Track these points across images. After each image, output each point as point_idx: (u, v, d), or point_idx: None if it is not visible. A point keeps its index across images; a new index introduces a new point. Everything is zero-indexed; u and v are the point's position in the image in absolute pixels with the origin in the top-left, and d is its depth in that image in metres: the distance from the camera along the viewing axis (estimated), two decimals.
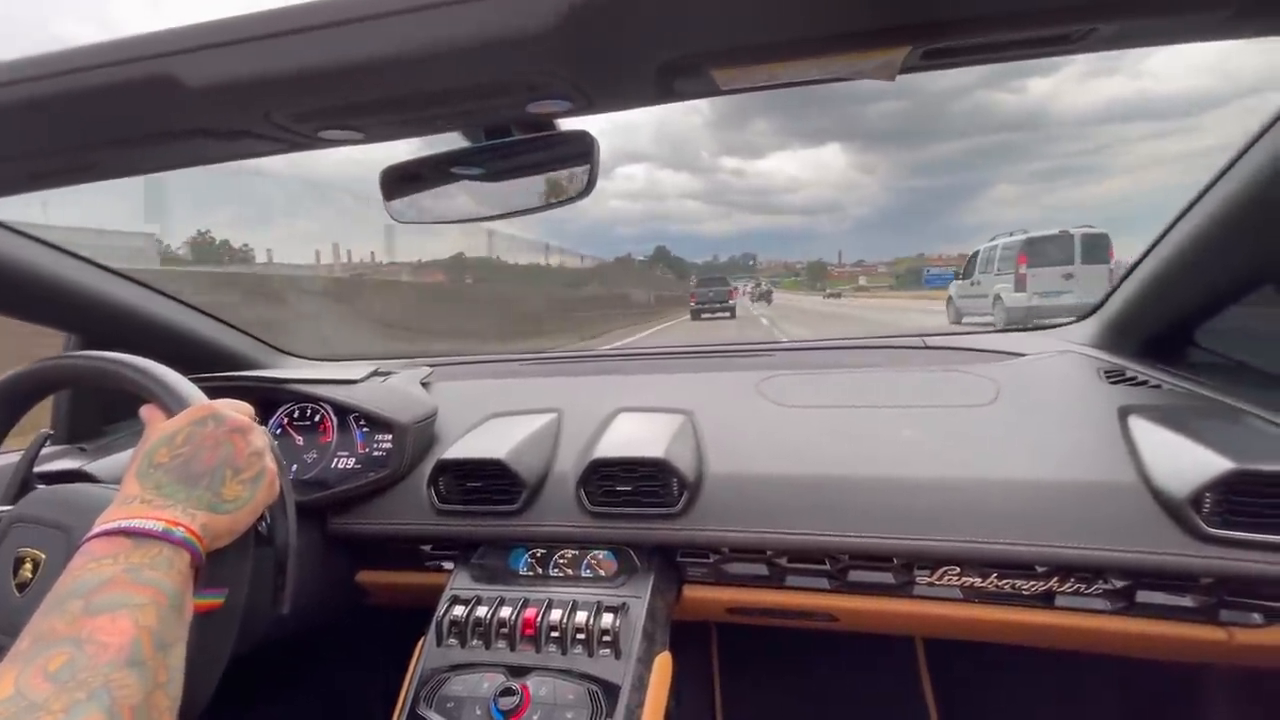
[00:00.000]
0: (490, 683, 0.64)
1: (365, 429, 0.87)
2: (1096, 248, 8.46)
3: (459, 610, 0.70)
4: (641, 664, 0.64)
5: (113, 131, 0.51)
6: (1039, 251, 8.68)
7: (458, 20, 0.37)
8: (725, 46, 0.41)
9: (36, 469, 0.66)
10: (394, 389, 0.94)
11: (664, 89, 0.47)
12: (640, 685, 0.63)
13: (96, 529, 0.40)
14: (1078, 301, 7.56)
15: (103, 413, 1.01)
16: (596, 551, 0.76)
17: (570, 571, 0.75)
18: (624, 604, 0.69)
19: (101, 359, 0.57)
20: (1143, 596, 0.64)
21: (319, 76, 0.41)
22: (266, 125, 0.49)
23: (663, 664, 0.67)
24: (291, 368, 1.14)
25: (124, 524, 0.40)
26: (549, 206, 0.63)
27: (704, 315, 19.86)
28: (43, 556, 0.54)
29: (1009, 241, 9.38)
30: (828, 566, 0.73)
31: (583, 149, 0.55)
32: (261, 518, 0.57)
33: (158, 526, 0.40)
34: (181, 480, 0.45)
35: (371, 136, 0.54)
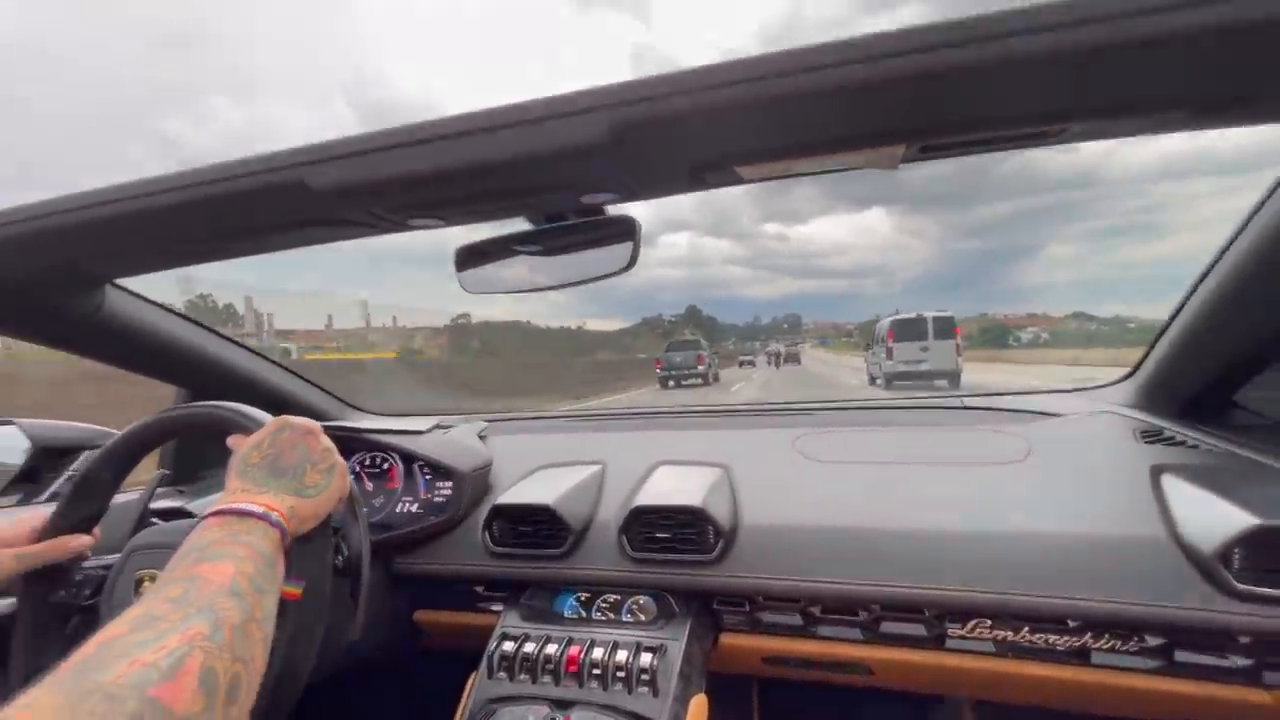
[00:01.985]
0: (535, 715, 0.68)
1: (428, 476, 0.95)
2: (945, 327, 11.78)
3: (509, 646, 0.75)
4: (678, 703, 0.68)
5: (249, 223, 0.63)
6: (902, 330, 12.02)
7: (527, 137, 0.47)
8: (745, 149, 0.49)
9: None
10: (454, 440, 1.02)
11: (696, 181, 0.56)
12: None
13: (214, 509, 0.50)
14: (932, 368, 11.53)
15: (199, 460, 1.14)
16: (638, 596, 0.81)
17: (612, 615, 0.80)
18: (662, 645, 0.72)
19: (210, 406, 0.67)
20: (1181, 656, 0.64)
21: (415, 181, 0.51)
22: (367, 216, 0.60)
23: (699, 705, 0.70)
24: (363, 420, 1.25)
25: (229, 505, 0.50)
26: (598, 279, 0.72)
27: (671, 383, 18.03)
28: (157, 574, 0.63)
29: (881, 323, 12.95)
30: (860, 617, 0.75)
31: (626, 229, 0.64)
32: (339, 548, 0.66)
33: (256, 509, 0.51)
34: (271, 474, 0.55)
35: (451, 222, 0.64)
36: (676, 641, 0.73)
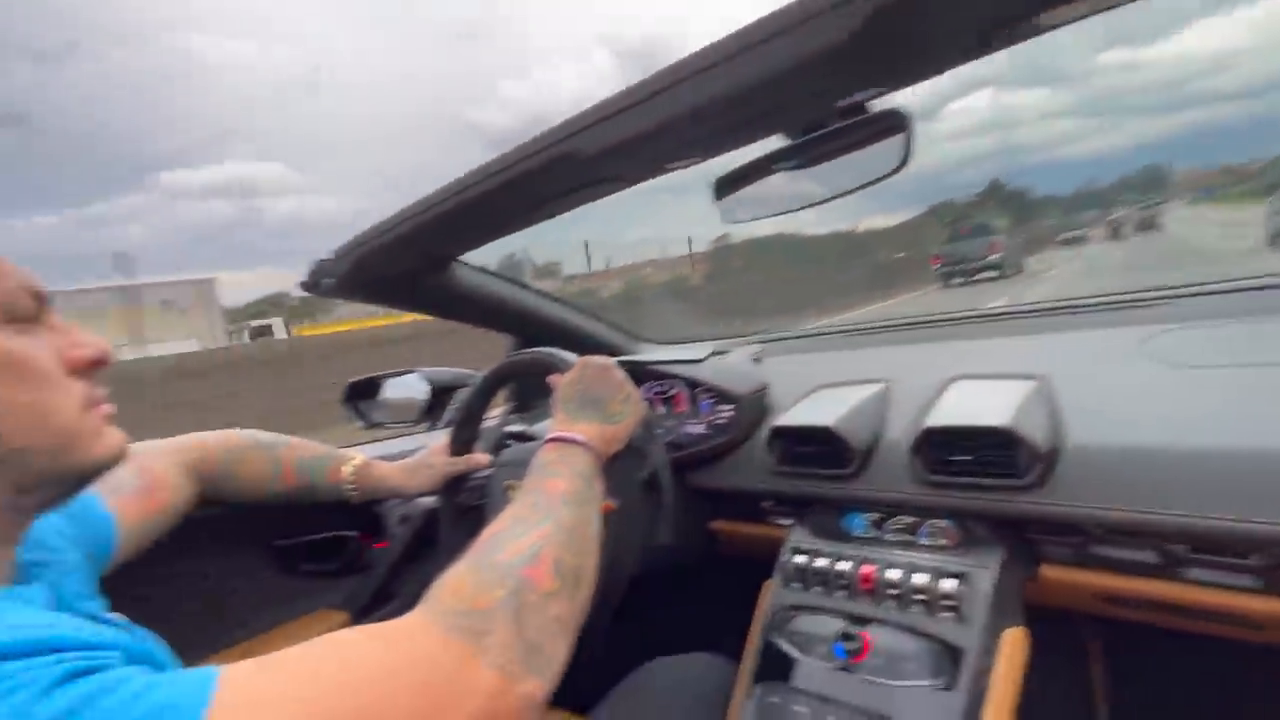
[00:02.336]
0: (832, 625, 0.71)
1: (710, 400, 1.02)
2: None
3: (800, 559, 0.78)
4: (988, 633, 0.63)
5: (540, 194, 0.72)
6: None
7: (776, 52, 0.44)
8: None
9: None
10: (731, 365, 1.07)
11: (977, 46, 0.46)
12: (988, 652, 0.62)
13: (548, 436, 0.65)
14: None
15: (537, 392, 1.40)
16: (936, 520, 0.76)
17: (907, 537, 0.77)
18: (967, 573, 0.68)
19: (533, 352, 0.82)
20: None
21: (671, 125, 0.52)
22: (629, 169, 0.64)
23: (1014, 638, 0.64)
24: (648, 351, 1.38)
25: (558, 434, 0.64)
26: (868, 184, 0.66)
27: (957, 280, 14.12)
28: (518, 484, 0.81)
29: None
30: (1253, 561, 0.59)
31: (895, 123, 0.56)
32: (642, 462, 0.75)
33: (577, 437, 0.63)
34: (582, 405, 0.68)
35: (706, 156, 0.65)
36: (984, 569, 0.68)
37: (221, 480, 0.84)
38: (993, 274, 13.77)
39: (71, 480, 0.43)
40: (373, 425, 1.34)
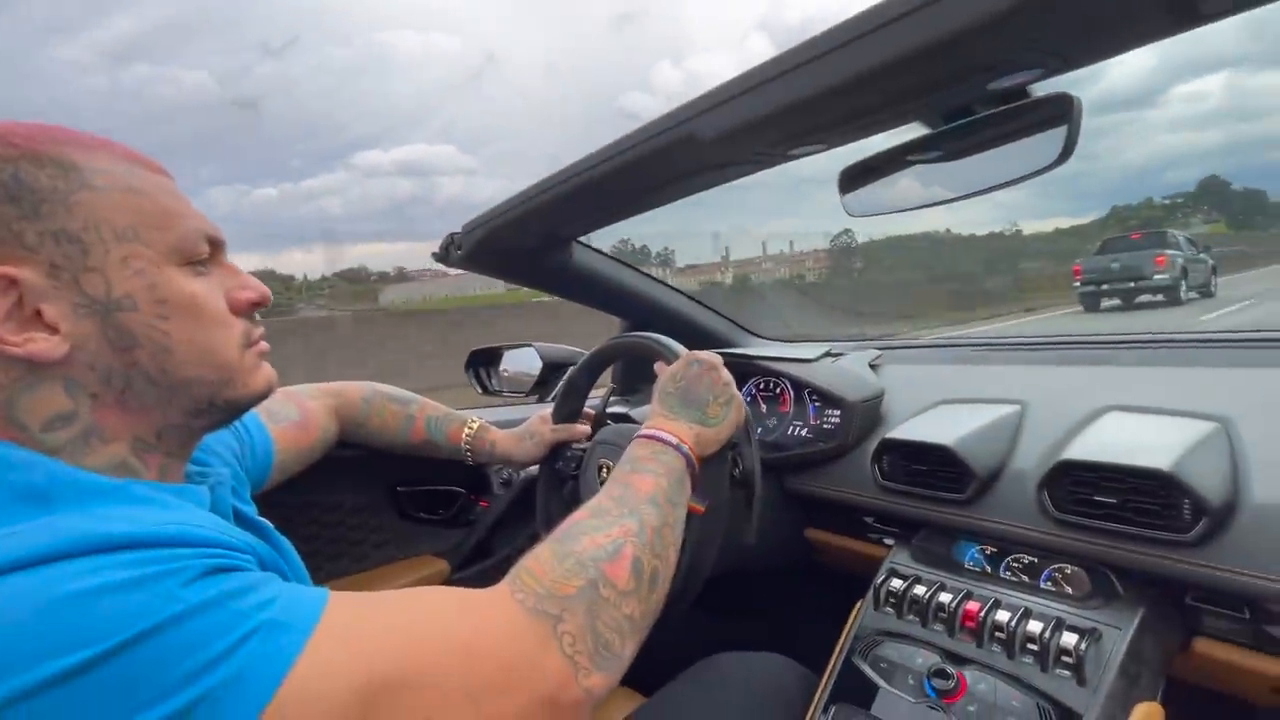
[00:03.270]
0: (925, 659, 0.65)
1: (817, 403, 0.97)
2: None
3: (896, 583, 0.73)
4: (1115, 703, 0.55)
5: (657, 178, 0.72)
6: None
7: (918, 27, 0.40)
8: None
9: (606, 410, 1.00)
10: (844, 369, 1.01)
11: (1174, 19, 0.39)
12: None
13: (643, 431, 0.63)
14: None
15: (640, 375, 1.41)
16: (1064, 565, 0.67)
17: (1026, 578, 0.69)
18: (1095, 629, 0.59)
19: (640, 336, 0.82)
20: None
21: (794, 109, 0.50)
22: (750, 154, 0.62)
23: (1147, 715, 0.55)
24: (757, 346, 1.34)
25: (653, 432, 0.62)
26: (1016, 180, 0.59)
27: (1105, 303, 10.34)
28: (612, 464, 0.82)
29: None
30: None
31: (1058, 111, 0.50)
32: (736, 462, 0.73)
33: (672, 439, 0.61)
34: (682, 403, 0.65)
35: (833, 144, 0.61)
36: (1118, 630, 0.59)
37: (359, 426, 0.93)
38: (1155, 297, 9.99)
39: (230, 409, 0.48)
40: (489, 393, 1.43)
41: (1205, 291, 10.80)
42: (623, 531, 0.49)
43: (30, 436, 0.39)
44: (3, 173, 0.38)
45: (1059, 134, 0.50)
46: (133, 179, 0.42)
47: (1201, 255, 11.07)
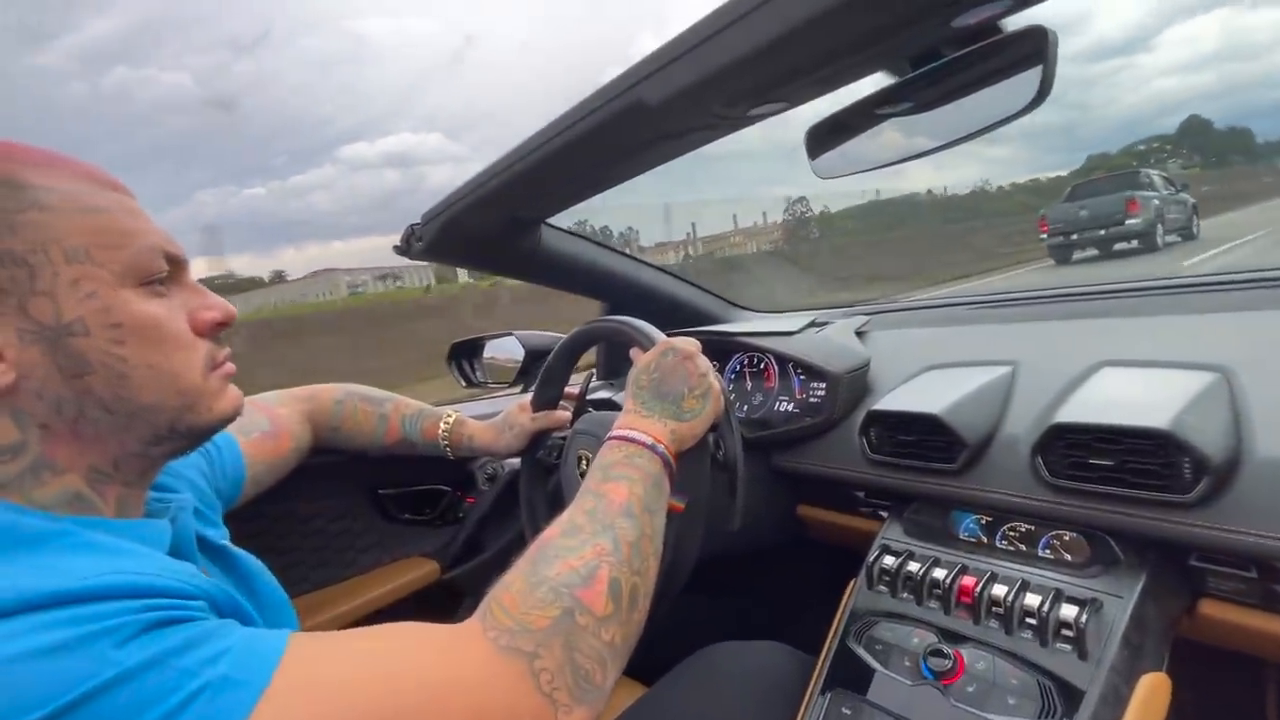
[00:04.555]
0: (921, 639, 0.62)
1: (802, 377, 0.93)
2: None
3: (889, 560, 0.70)
4: (1118, 675, 0.52)
5: (614, 150, 0.67)
6: None
7: None
8: None
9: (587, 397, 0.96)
10: (828, 339, 0.97)
11: None
12: (1114, 700, 0.51)
13: (614, 432, 0.59)
14: None
15: (623, 358, 1.38)
16: (1061, 532, 0.64)
17: (1023, 547, 0.66)
18: (1096, 599, 0.56)
19: (614, 321, 0.78)
20: None
21: (747, 62, 0.45)
22: (708, 117, 0.57)
23: (1153, 686, 0.53)
24: (742, 320, 1.30)
25: (625, 433, 0.58)
26: (995, 125, 0.54)
27: (1077, 255, 9.63)
28: (589, 455, 0.79)
29: None
30: None
31: (1032, 48, 0.45)
32: (718, 445, 0.70)
33: (645, 439, 0.57)
34: (655, 397, 0.61)
35: (795, 102, 0.56)
36: (1119, 598, 0.56)
37: (333, 430, 0.90)
38: (1131, 244, 9.14)
39: (193, 435, 0.45)
40: (473, 385, 1.39)
41: (1187, 234, 10.08)
42: (596, 552, 0.46)
43: None
44: None
45: (1034, 73, 0.46)
46: (86, 197, 0.40)
47: (1180, 195, 10.35)
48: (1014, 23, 0.45)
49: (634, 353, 0.71)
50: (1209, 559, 0.57)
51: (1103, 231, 9.21)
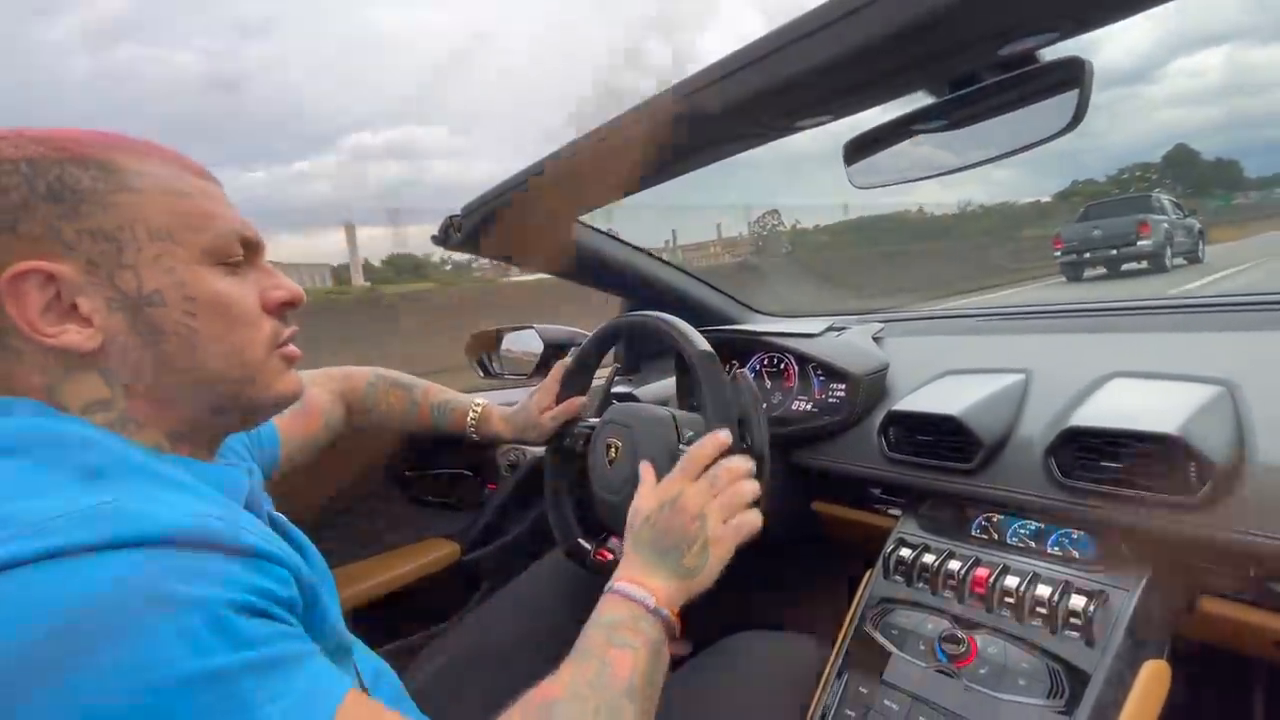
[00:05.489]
0: (935, 625, 0.66)
1: (822, 377, 0.97)
2: None
3: (905, 552, 0.74)
4: (1122, 662, 0.56)
5: (664, 155, 0.71)
6: None
7: None
8: None
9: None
10: (848, 343, 1.01)
11: None
12: (1118, 682, 0.55)
13: (619, 584, 0.57)
14: None
15: (639, 355, 1.41)
16: (1070, 530, 0.68)
17: (1033, 544, 0.70)
18: (1102, 591, 0.60)
19: (649, 316, 0.81)
20: None
21: (801, 82, 0.49)
22: (758, 126, 0.61)
23: (1154, 673, 0.57)
24: (760, 322, 1.34)
25: (631, 590, 0.56)
26: (1027, 147, 0.58)
27: (1088, 272, 10.11)
28: (619, 443, 0.83)
29: None
30: None
31: (1069, 75, 0.49)
32: (744, 437, 0.74)
33: (649, 600, 0.55)
34: (656, 553, 0.59)
35: (840, 115, 0.60)
36: (1125, 591, 0.60)
37: (365, 412, 0.93)
38: (1139, 264, 9.67)
39: (251, 409, 0.49)
40: (491, 376, 1.43)
41: (1193, 257, 10.61)
42: None
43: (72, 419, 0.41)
44: (49, 174, 0.40)
45: (1070, 98, 0.49)
46: (174, 182, 0.44)
47: (1188, 220, 10.86)
48: (1051, 53, 0.48)
49: (644, 469, 0.69)
50: (1211, 559, 0.61)
51: (1114, 251, 9.60)
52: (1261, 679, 0.84)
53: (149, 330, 0.42)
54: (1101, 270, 10.15)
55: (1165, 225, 9.78)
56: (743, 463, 0.65)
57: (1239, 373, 0.67)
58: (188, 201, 0.44)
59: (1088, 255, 10.03)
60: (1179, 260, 10.09)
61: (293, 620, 0.40)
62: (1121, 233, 9.52)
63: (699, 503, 0.61)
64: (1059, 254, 10.39)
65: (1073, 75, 0.48)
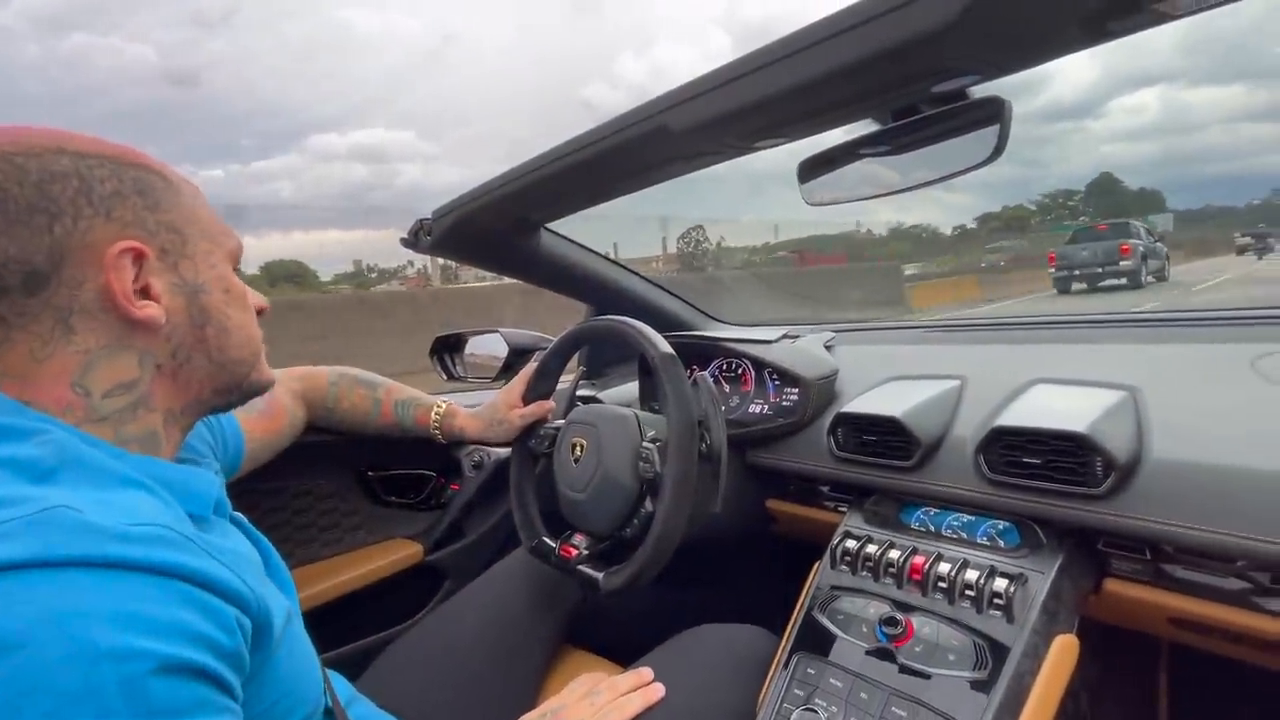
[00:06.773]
0: (876, 609, 0.72)
1: (777, 382, 1.03)
2: None
3: (851, 544, 0.79)
4: (1038, 635, 0.63)
5: (628, 167, 0.75)
6: None
7: (871, 35, 0.45)
8: None
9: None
10: (801, 350, 1.07)
11: (1092, 34, 0.45)
12: (1034, 654, 0.62)
13: None
14: None
15: (603, 360, 1.45)
16: (997, 521, 0.75)
17: (964, 535, 0.76)
18: (1022, 574, 0.67)
19: (614, 320, 0.85)
20: None
21: (763, 105, 0.54)
22: (718, 145, 0.66)
23: (1064, 645, 0.63)
24: (719, 329, 1.40)
25: None
26: (957, 174, 0.65)
27: (1074, 286, 12.52)
28: (584, 441, 0.86)
29: None
30: None
31: (991, 113, 0.56)
32: (704, 438, 0.78)
33: None
34: None
35: (794, 138, 0.66)
36: (1041, 574, 0.67)
37: (327, 411, 0.93)
38: (1119, 281, 11.93)
39: (248, 391, 0.54)
40: (454, 379, 1.44)
41: (1160, 276, 12.92)
42: None
43: (89, 402, 0.44)
44: (129, 173, 0.46)
45: (991, 133, 0.56)
46: (200, 197, 0.52)
47: (1156, 245, 13.18)
48: (980, 90, 0.55)
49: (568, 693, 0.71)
50: (1113, 543, 0.68)
51: (1099, 269, 12.13)
52: (1165, 658, 0.93)
53: (199, 313, 0.48)
54: (1084, 285, 12.51)
55: (1141, 248, 12.14)
56: (627, 682, 0.71)
57: (1142, 380, 0.75)
58: (213, 215, 0.52)
59: (1076, 272, 12.48)
60: (1149, 279, 12.42)
61: (228, 678, 0.38)
62: (1106, 253, 11.94)
63: (578, 714, 0.67)
64: (1052, 270, 12.86)
65: (994, 112, 0.54)
